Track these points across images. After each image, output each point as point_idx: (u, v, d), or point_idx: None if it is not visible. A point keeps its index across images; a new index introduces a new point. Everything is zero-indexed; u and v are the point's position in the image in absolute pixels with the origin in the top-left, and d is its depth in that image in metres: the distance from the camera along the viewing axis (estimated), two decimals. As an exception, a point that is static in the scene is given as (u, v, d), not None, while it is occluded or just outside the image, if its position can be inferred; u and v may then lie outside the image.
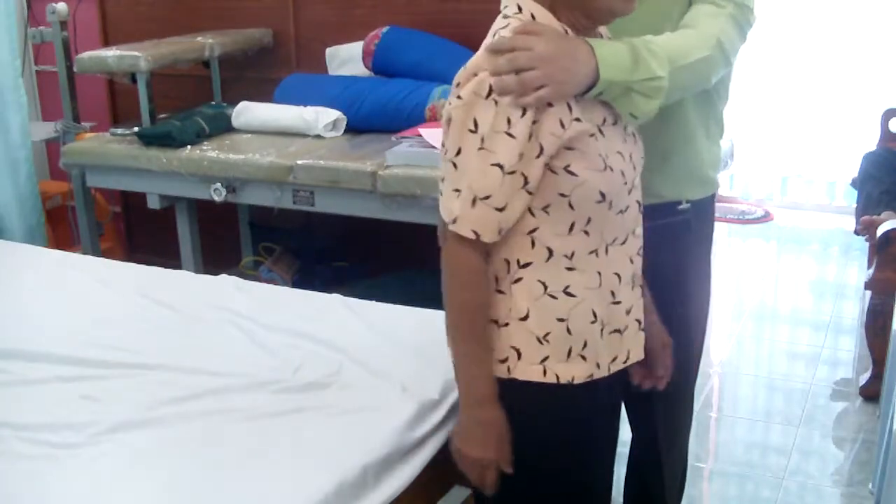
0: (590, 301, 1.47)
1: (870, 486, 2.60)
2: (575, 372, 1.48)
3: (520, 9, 1.44)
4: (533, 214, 1.43)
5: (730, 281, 4.40)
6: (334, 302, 2.45)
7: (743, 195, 5.31)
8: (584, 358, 1.48)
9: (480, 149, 1.37)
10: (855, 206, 3.92)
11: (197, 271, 3.36)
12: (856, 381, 3.28)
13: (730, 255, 4.75)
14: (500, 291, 1.47)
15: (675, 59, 1.50)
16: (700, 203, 1.87)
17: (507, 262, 1.46)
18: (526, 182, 1.39)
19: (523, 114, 1.35)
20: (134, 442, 1.80)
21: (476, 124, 1.37)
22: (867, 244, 3.48)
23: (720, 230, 4.90)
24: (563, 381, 1.48)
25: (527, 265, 1.45)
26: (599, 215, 1.45)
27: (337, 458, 1.70)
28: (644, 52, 1.45)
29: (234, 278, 2.64)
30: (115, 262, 3.05)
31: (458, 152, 1.39)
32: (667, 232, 1.80)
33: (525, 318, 1.46)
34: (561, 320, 1.46)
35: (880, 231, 3.07)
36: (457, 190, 1.40)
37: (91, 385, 2.02)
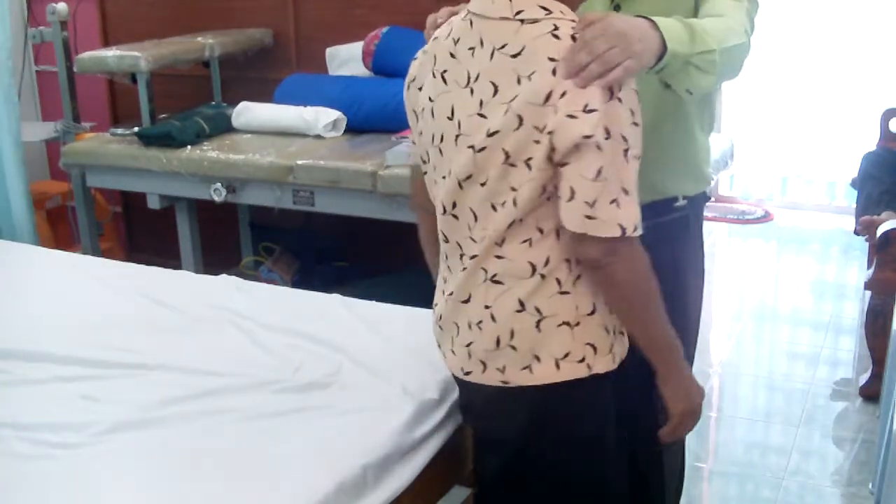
0: None
1: (870, 486, 2.60)
2: (621, 351, 1.56)
3: (548, 9, 1.40)
4: None
5: (730, 281, 4.40)
6: (334, 302, 2.45)
7: (743, 195, 5.31)
8: (622, 333, 1.56)
9: (627, 149, 1.37)
10: (855, 206, 3.92)
11: (197, 271, 3.36)
12: (856, 381, 3.28)
13: (730, 255, 4.75)
14: (565, 293, 1.48)
15: (720, 41, 1.53)
16: (695, 199, 1.91)
17: (568, 262, 1.47)
18: None
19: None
20: (134, 442, 1.80)
21: (618, 126, 1.36)
22: (867, 244, 3.48)
23: (720, 230, 4.91)
24: (621, 361, 1.55)
25: (580, 260, 1.48)
26: None
27: (337, 458, 1.70)
28: (696, 26, 1.49)
29: (234, 278, 2.64)
30: (115, 262, 3.05)
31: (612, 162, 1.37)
32: (666, 229, 1.83)
33: (592, 313, 1.49)
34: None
35: (880, 231, 3.06)
36: (615, 200, 1.37)
37: (91, 385, 2.02)
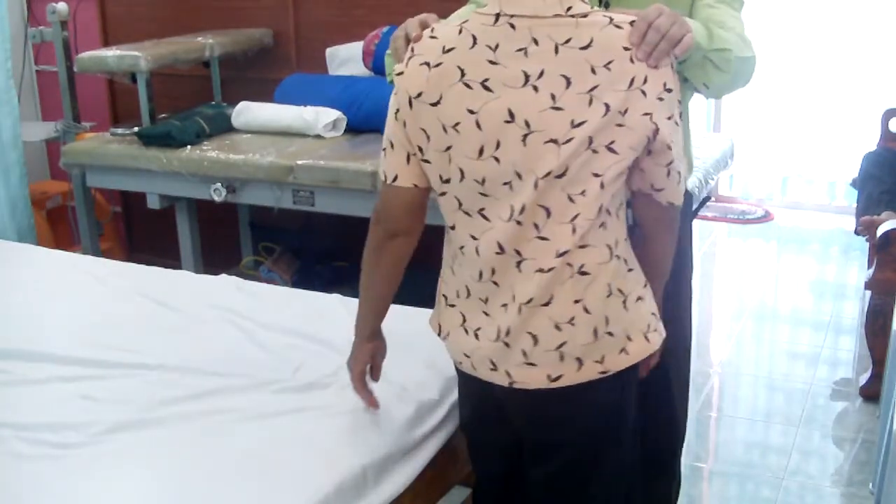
0: None
1: (870, 486, 2.60)
2: None
3: (585, 1, 1.47)
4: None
5: (730, 281, 4.40)
6: (334, 302, 2.45)
7: (743, 195, 5.31)
8: None
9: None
10: (855, 206, 3.92)
11: (197, 271, 3.36)
12: (856, 381, 3.28)
13: (730, 255, 4.75)
14: (631, 269, 1.57)
15: (736, 47, 1.66)
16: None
17: (626, 240, 1.57)
18: None
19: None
20: (134, 442, 1.80)
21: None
22: (867, 244, 3.48)
23: (720, 230, 4.91)
24: None
25: (626, 236, 1.58)
26: None
27: (337, 458, 1.70)
28: (713, 26, 1.63)
29: (234, 278, 2.64)
30: (115, 262, 3.05)
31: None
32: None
33: (646, 285, 1.60)
34: None
35: (880, 231, 3.06)
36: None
37: (91, 385, 2.02)
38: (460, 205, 1.53)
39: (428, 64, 1.50)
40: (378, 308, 1.76)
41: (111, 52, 3.41)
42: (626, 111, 1.42)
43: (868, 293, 3.20)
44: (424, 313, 2.27)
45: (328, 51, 3.66)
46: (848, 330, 3.77)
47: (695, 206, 2.80)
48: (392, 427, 1.80)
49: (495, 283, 1.54)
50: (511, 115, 1.44)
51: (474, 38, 1.47)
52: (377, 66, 3.41)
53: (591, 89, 1.41)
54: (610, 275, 1.51)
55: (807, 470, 2.83)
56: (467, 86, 1.46)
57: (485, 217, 1.51)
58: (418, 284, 2.38)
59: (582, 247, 1.49)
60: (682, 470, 2.30)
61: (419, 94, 1.50)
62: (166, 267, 2.79)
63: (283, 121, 3.39)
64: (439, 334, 1.69)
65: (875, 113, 4.25)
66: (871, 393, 3.14)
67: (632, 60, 1.42)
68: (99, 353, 2.16)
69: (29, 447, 1.79)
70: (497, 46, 1.45)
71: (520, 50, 1.44)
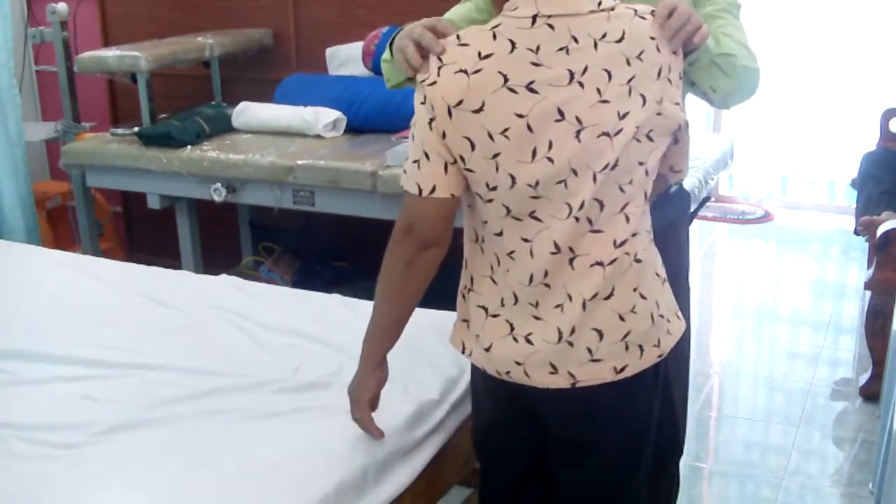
0: None
1: (870, 486, 2.60)
2: None
3: None
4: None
5: (730, 281, 4.40)
6: (334, 302, 2.45)
7: (743, 195, 5.31)
8: None
9: None
10: (855, 206, 3.91)
11: (197, 271, 3.36)
12: (856, 381, 3.28)
13: (730, 255, 4.75)
14: (656, 252, 1.63)
15: (742, 59, 1.72)
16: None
17: (648, 232, 1.60)
18: None
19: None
20: (134, 442, 1.80)
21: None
22: (867, 244, 3.48)
23: (720, 230, 4.91)
24: None
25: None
26: None
27: (337, 458, 1.70)
28: (718, 34, 1.70)
29: (234, 278, 2.64)
30: (115, 262, 3.05)
31: None
32: (668, 206, 1.92)
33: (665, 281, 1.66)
34: None
35: (880, 231, 3.06)
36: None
37: (91, 385, 2.02)
38: (509, 211, 1.51)
39: (465, 71, 1.46)
40: (397, 333, 1.68)
41: (111, 52, 3.41)
42: (661, 100, 1.48)
43: (868, 293, 3.20)
44: (424, 313, 2.28)
45: (328, 51, 3.66)
46: (848, 330, 3.77)
47: (694, 207, 2.80)
48: (392, 427, 1.80)
49: (547, 286, 1.52)
50: (561, 113, 1.44)
51: (512, 43, 1.45)
52: (377, 66, 3.40)
53: (629, 80, 1.46)
54: (653, 258, 1.60)
55: (807, 470, 2.83)
56: (512, 90, 1.44)
57: (537, 219, 1.50)
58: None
59: (634, 235, 1.54)
60: (681, 470, 2.30)
61: (459, 103, 1.46)
62: (166, 267, 2.79)
63: (283, 121, 3.39)
64: (463, 351, 1.66)
65: (875, 113, 4.25)
66: (871, 393, 3.14)
67: (658, 49, 1.48)
68: (99, 353, 2.16)
69: (29, 447, 1.79)
70: (538, 48, 1.44)
71: (561, 49, 1.44)
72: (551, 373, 1.55)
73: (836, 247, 4.76)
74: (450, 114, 1.46)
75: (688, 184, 2.08)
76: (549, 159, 1.46)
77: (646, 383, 1.61)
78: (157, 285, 2.58)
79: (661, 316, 1.59)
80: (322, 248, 3.89)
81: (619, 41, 1.46)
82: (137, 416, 1.88)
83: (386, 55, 1.72)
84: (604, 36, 1.45)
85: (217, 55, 3.65)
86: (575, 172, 1.46)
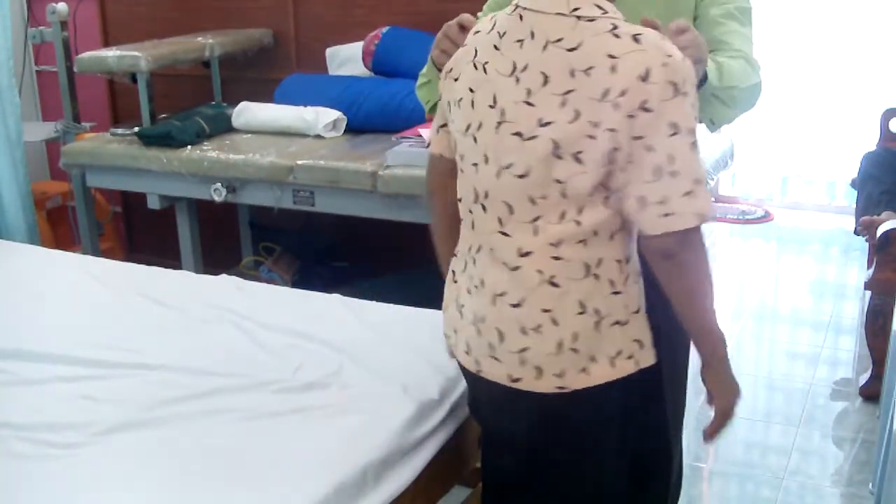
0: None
1: (870, 486, 2.60)
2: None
3: (603, 9, 1.44)
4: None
5: (730, 281, 4.40)
6: (334, 302, 2.45)
7: (743, 195, 5.31)
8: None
9: (693, 141, 1.43)
10: (855, 206, 3.91)
11: (197, 271, 3.36)
12: (856, 381, 3.28)
13: (730, 255, 4.75)
14: (617, 292, 1.51)
15: (742, 80, 1.71)
16: None
17: (619, 262, 1.50)
18: None
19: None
20: (134, 442, 1.80)
21: (684, 120, 1.40)
22: (867, 244, 3.48)
23: (720, 230, 4.90)
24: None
25: (629, 259, 1.52)
26: None
27: (337, 458, 1.70)
28: (724, 64, 1.66)
29: (234, 278, 2.64)
30: (115, 262, 3.05)
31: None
32: None
33: (638, 311, 1.54)
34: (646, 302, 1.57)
35: (880, 231, 3.06)
36: (689, 192, 1.40)
37: (91, 385, 2.02)
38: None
39: (465, 44, 1.59)
40: (445, 270, 1.73)
41: (111, 52, 3.41)
42: (598, 124, 1.38)
43: (868, 293, 3.20)
44: (424, 313, 2.29)
45: (328, 51, 3.66)
46: (848, 330, 3.77)
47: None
48: (392, 427, 1.80)
49: (474, 262, 1.58)
50: (494, 100, 1.49)
51: (494, 24, 1.53)
52: (377, 66, 3.41)
53: (566, 92, 1.40)
54: (583, 293, 1.48)
55: (807, 470, 2.82)
56: (474, 66, 1.53)
57: (463, 193, 1.60)
58: (418, 284, 2.38)
59: (555, 258, 1.47)
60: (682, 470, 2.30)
61: (449, 70, 1.59)
62: (166, 267, 2.79)
63: (283, 121, 3.39)
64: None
65: (875, 113, 4.25)
66: (871, 393, 3.14)
67: (614, 70, 1.37)
68: (99, 353, 2.16)
69: (29, 447, 1.79)
70: (504, 34, 1.50)
71: (518, 41, 1.47)
72: (466, 352, 1.61)
73: (836, 247, 4.76)
74: (444, 78, 1.61)
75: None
76: (474, 138, 1.52)
77: (554, 409, 1.54)
78: (157, 285, 2.58)
79: (574, 350, 1.49)
80: (322, 248, 3.89)
81: (572, 50, 1.40)
82: (137, 416, 1.88)
83: (420, 81, 1.84)
84: (558, 41, 1.42)
85: (217, 55, 3.65)
86: (486, 160, 1.51)
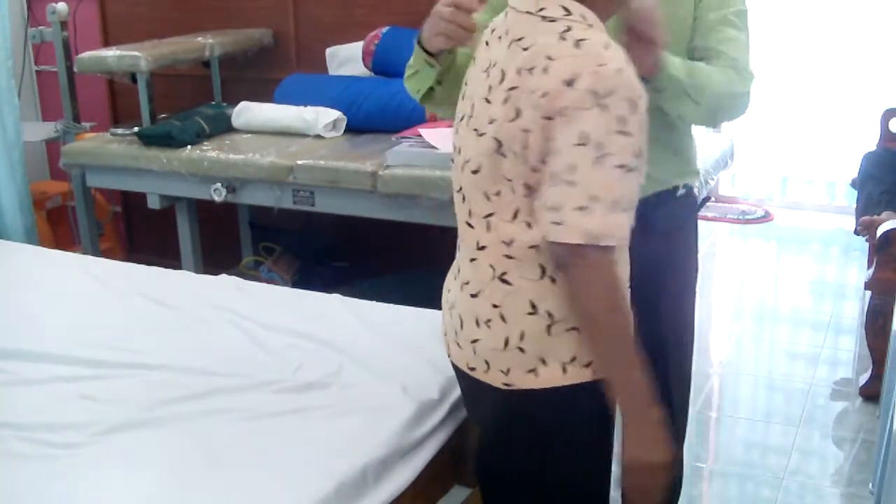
0: None
1: (870, 486, 2.60)
2: None
3: (568, 10, 1.41)
4: None
5: (730, 281, 4.40)
6: (334, 302, 2.46)
7: (743, 195, 5.31)
8: None
9: (601, 156, 1.34)
10: (855, 206, 3.91)
11: (197, 271, 3.36)
12: (856, 381, 3.28)
13: (730, 255, 4.75)
14: None
15: (719, 85, 1.69)
16: (690, 192, 1.98)
17: None
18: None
19: (632, 110, 1.35)
20: (134, 442, 1.80)
21: (596, 133, 1.34)
22: (867, 244, 3.48)
23: (720, 230, 4.90)
24: None
25: None
26: None
27: (337, 458, 1.70)
28: (694, 65, 1.67)
29: (234, 278, 2.64)
30: (115, 262, 3.05)
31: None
32: (672, 219, 1.90)
33: None
34: None
35: (880, 231, 3.06)
36: (583, 208, 1.34)
37: (91, 385, 2.02)
38: None
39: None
40: None
41: (111, 52, 3.41)
42: (529, 129, 1.38)
43: (868, 293, 3.20)
44: (424, 313, 2.29)
45: (328, 51, 3.66)
46: (848, 330, 3.77)
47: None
48: (392, 427, 1.80)
49: (458, 250, 1.60)
50: (471, 95, 1.52)
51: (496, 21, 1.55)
52: (377, 66, 3.41)
53: (510, 89, 1.40)
54: (536, 294, 1.45)
55: (807, 470, 2.82)
56: (473, 58, 1.56)
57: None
58: (418, 284, 2.38)
59: (507, 256, 1.46)
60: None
61: (473, 59, 1.59)
62: (166, 267, 2.79)
63: (283, 121, 3.39)
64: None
65: (875, 113, 4.25)
66: (871, 393, 3.14)
67: (545, 71, 1.36)
68: (99, 353, 2.16)
69: (29, 447, 1.79)
70: (493, 31, 1.52)
71: (500, 38, 1.49)
72: (444, 334, 1.63)
73: (836, 247, 4.76)
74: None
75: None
76: (457, 130, 1.56)
77: (517, 407, 1.51)
78: (157, 285, 2.59)
79: (521, 350, 1.46)
80: (322, 248, 3.89)
81: (526, 50, 1.40)
82: (137, 416, 1.88)
83: (407, 73, 1.75)
84: (519, 39, 1.43)
85: (217, 55, 3.65)
86: (459, 152, 1.54)
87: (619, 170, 1.34)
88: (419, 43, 1.66)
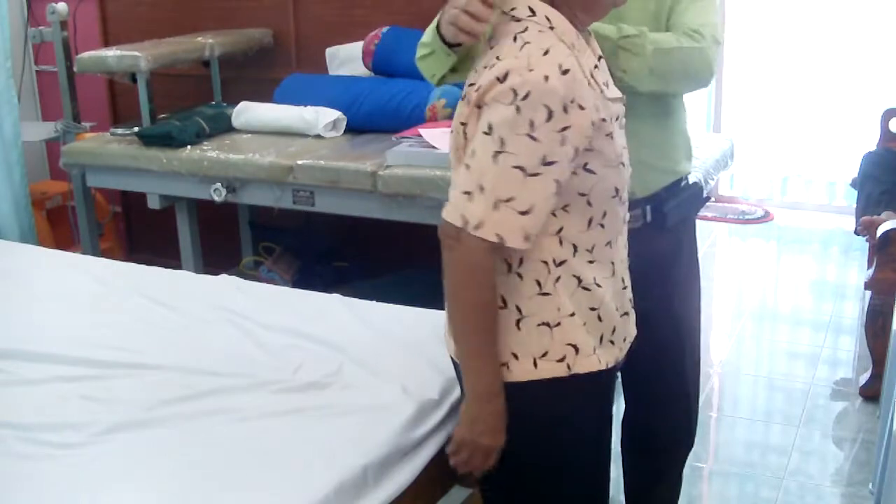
0: (608, 289, 1.53)
1: (870, 486, 2.60)
2: (608, 357, 1.54)
3: (533, 11, 1.44)
4: (555, 214, 1.45)
5: (730, 281, 4.40)
6: (334, 302, 2.45)
7: (743, 195, 5.31)
8: (612, 343, 1.55)
9: (499, 152, 1.38)
10: (855, 206, 3.92)
11: (197, 271, 3.36)
12: (856, 381, 3.28)
13: (730, 255, 4.75)
14: (545, 294, 1.48)
15: (661, 42, 1.69)
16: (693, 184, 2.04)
17: (546, 263, 1.47)
18: (558, 185, 1.40)
19: (548, 118, 1.36)
20: (134, 442, 1.80)
21: (501, 128, 1.37)
22: (867, 244, 3.48)
23: (720, 230, 4.91)
24: (608, 366, 1.54)
25: (562, 263, 1.48)
26: (612, 209, 1.50)
27: (337, 458, 1.70)
28: (622, 25, 1.69)
29: (234, 278, 2.64)
30: (115, 262, 3.05)
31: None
32: (688, 208, 1.97)
33: (573, 315, 1.49)
34: (593, 310, 1.51)
35: (880, 231, 3.07)
36: (468, 192, 1.40)
37: (91, 385, 2.02)
38: None
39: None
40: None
41: (111, 52, 3.41)
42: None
43: (868, 293, 3.20)
44: (425, 313, 2.29)
45: (328, 51, 3.66)
46: (848, 330, 3.77)
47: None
48: (392, 427, 1.80)
49: None
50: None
51: None
52: (377, 66, 3.41)
53: (470, 85, 1.47)
54: (506, 289, 1.48)
55: (807, 470, 2.83)
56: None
57: None
58: (418, 284, 2.38)
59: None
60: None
61: None
62: (166, 267, 2.79)
63: (283, 121, 3.39)
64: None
65: (875, 113, 4.25)
66: (871, 393, 3.14)
67: (487, 68, 1.41)
68: (99, 353, 2.16)
69: (29, 447, 1.79)
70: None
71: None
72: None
73: (836, 247, 4.76)
74: None
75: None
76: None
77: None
78: (157, 285, 2.59)
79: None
80: (322, 248, 3.89)
81: (492, 48, 1.46)
82: (137, 416, 1.88)
83: (420, 52, 1.72)
84: (490, 39, 1.48)
85: (217, 55, 3.65)
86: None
87: (517, 171, 1.37)
88: (437, 28, 1.65)
